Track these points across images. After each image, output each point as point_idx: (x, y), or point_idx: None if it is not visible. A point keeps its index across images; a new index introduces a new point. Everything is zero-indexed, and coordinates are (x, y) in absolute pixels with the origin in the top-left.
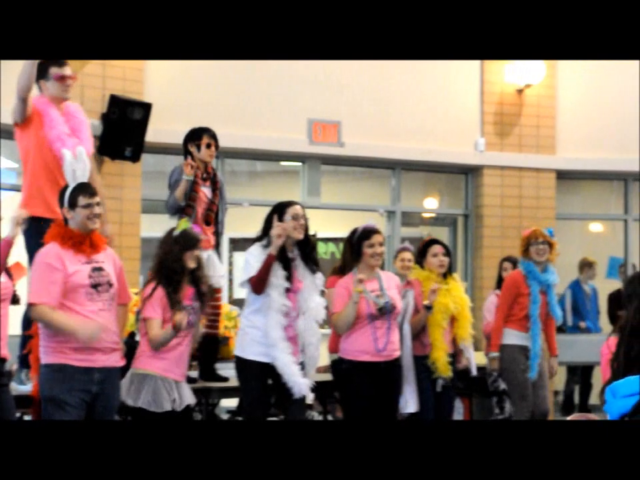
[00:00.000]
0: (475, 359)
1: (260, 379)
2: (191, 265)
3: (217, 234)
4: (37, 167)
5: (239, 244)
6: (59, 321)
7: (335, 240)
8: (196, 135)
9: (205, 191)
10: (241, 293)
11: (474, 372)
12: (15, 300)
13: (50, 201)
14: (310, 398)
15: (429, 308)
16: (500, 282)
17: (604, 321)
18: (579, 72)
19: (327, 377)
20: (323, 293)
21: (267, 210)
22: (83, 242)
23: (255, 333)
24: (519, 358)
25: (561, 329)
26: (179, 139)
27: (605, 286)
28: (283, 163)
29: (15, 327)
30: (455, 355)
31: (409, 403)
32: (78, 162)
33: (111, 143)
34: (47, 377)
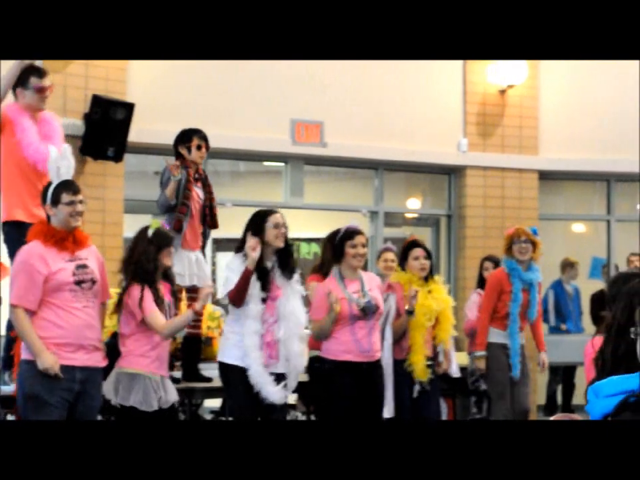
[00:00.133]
0: (457, 359)
1: (244, 382)
2: (168, 262)
3: (204, 235)
4: (12, 173)
5: (222, 244)
6: (30, 335)
7: (317, 240)
8: (186, 137)
9: (197, 192)
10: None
11: (455, 374)
12: None
13: (30, 207)
14: (293, 398)
15: (410, 312)
16: (481, 281)
17: (586, 322)
18: (561, 72)
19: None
20: (304, 297)
21: (250, 210)
22: (66, 239)
23: (236, 338)
24: (499, 356)
25: None
26: (161, 139)
27: (587, 286)
28: (265, 163)
29: None
30: (435, 357)
31: (386, 408)
32: (62, 159)
33: (93, 143)
34: (27, 373)
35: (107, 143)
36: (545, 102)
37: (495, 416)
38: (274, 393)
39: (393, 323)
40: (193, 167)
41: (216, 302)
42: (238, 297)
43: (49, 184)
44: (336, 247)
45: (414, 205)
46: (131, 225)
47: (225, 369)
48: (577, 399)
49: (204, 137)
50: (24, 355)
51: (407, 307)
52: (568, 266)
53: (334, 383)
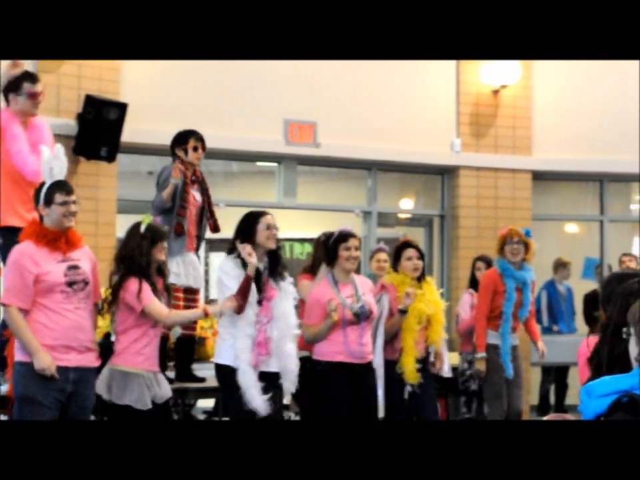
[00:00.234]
0: (449, 360)
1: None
2: (161, 257)
3: (199, 238)
4: (3, 179)
5: (215, 245)
6: (25, 334)
7: (311, 240)
8: (182, 139)
9: (194, 194)
10: (217, 293)
11: (447, 374)
12: None
13: (22, 212)
14: (287, 399)
15: (403, 312)
16: (473, 281)
17: (579, 322)
18: (554, 73)
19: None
20: (296, 299)
21: (244, 211)
22: (58, 239)
23: (232, 339)
24: (493, 357)
25: None
26: (154, 139)
27: (580, 286)
28: (259, 164)
29: None
30: (426, 358)
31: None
32: (55, 159)
33: (86, 143)
34: (21, 374)
35: (100, 143)
36: (539, 102)
37: (492, 417)
38: (257, 400)
39: (385, 323)
40: (190, 169)
41: (208, 302)
42: (239, 305)
43: (42, 184)
44: (329, 250)
45: (407, 205)
46: (124, 225)
47: (221, 370)
48: (570, 399)
49: (200, 138)
50: (18, 357)
51: (400, 307)
52: (560, 266)
53: (328, 384)
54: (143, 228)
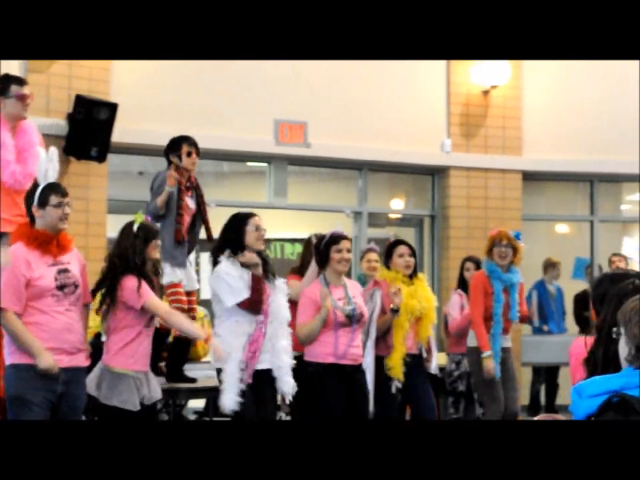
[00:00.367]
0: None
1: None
2: (155, 255)
3: (191, 243)
4: None
5: (206, 245)
6: (25, 336)
7: (301, 241)
8: (175, 145)
9: (188, 201)
10: (208, 293)
11: (433, 370)
12: None
13: (10, 217)
14: (278, 399)
15: (395, 311)
16: (461, 282)
17: (569, 322)
18: (544, 73)
19: None
20: (288, 296)
21: (234, 211)
22: (50, 242)
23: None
24: None
25: None
26: (145, 139)
27: (570, 287)
28: (249, 164)
29: None
30: (421, 355)
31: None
32: (49, 162)
33: (76, 143)
34: (13, 376)
35: (90, 143)
36: (528, 102)
37: (489, 418)
38: (226, 398)
39: (377, 320)
40: (185, 175)
41: (199, 302)
42: (256, 304)
43: (36, 186)
44: (321, 252)
45: (397, 205)
46: (115, 226)
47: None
48: (561, 399)
49: (194, 144)
50: (9, 360)
51: (392, 306)
52: (550, 266)
53: (321, 386)
54: (135, 227)
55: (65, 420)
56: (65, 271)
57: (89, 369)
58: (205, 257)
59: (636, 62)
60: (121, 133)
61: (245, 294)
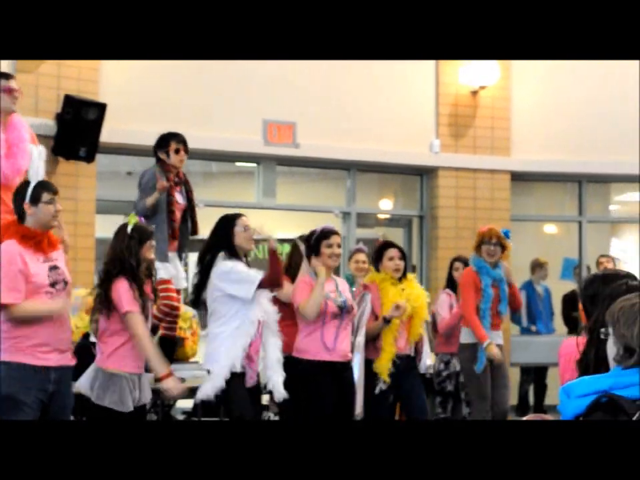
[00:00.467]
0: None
1: (242, 386)
2: (150, 256)
3: (182, 239)
4: None
5: (195, 245)
6: (38, 310)
7: (290, 241)
8: (164, 142)
9: (178, 197)
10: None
11: (423, 370)
12: None
13: None
14: (265, 399)
15: (387, 321)
16: (450, 281)
17: (557, 322)
18: (533, 74)
19: None
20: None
21: (223, 211)
22: (42, 240)
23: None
24: (476, 357)
25: None
26: (133, 139)
27: (559, 287)
28: (238, 164)
29: None
30: (416, 355)
31: (358, 407)
32: (40, 160)
33: (65, 143)
34: (4, 374)
35: (79, 143)
36: (517, 103)
37: (476, 417)
38: (203, 390)
39: (367, 324)
40: (173, 172)
41: (187, 302)
42: (277, 277)
43: (27, 183)
44: (312, 247)
45: (386, 205)
46: (103, 226)
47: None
48: (549, 400)
49: (182, 141)
50: (1, 357)
51: (385, 315)
52: (537, 266)
53: (315, 383)
54: (129, 228)
55: (55, 420)
56: (55, 267)
57: (75, 369)
58: (194, 257)
59: (623, 62)
60: (109, 133)
61: (259, 275)
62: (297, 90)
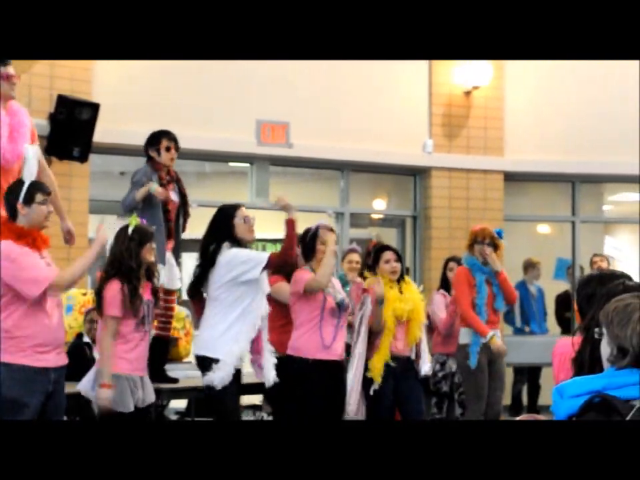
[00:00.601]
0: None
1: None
2: (150, 258)
3: (177, 236)
4: None
5: (188, 245)
6: (81, 265)
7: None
8: (155, 140)
9: (172, 195)
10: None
11: (424, 372)
12: None
13: None
14: (259, 399)
15: (380, 302)
16: (444, 282)
17: (551, 322)
18: (526, 74)
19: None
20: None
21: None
22: (36, 238)
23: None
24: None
25: None
26: (126, 139)
27: (552, 287)
28: (231, 164)
29: None
30: (416, 358)
31: (352, 407)
32: (34, 159)
33: (58, 143)
34: (5, 376)
35: (72, 143)
36: (510, 103)
37: (470, 417)
38: (220, 375)
39: (368, 321)
40: (164, 170)
41: (180, 302)
42: (288, 252)
43: (20, 182)
44: (307, 244)
45: (379, 205)
46: (96, 226)
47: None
48: (543, 400)
49: (173, 139)
50: (2, 358)
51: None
52: (530, 266)
53: (309, 382)
54: (130, 230)
55: (50, 420)
56: (49, 265)
57: (68, 369)
58: (187, 257)
59: (618, 62)
60: (102, 133)
61: (266, 254)
62: (291, 90)
